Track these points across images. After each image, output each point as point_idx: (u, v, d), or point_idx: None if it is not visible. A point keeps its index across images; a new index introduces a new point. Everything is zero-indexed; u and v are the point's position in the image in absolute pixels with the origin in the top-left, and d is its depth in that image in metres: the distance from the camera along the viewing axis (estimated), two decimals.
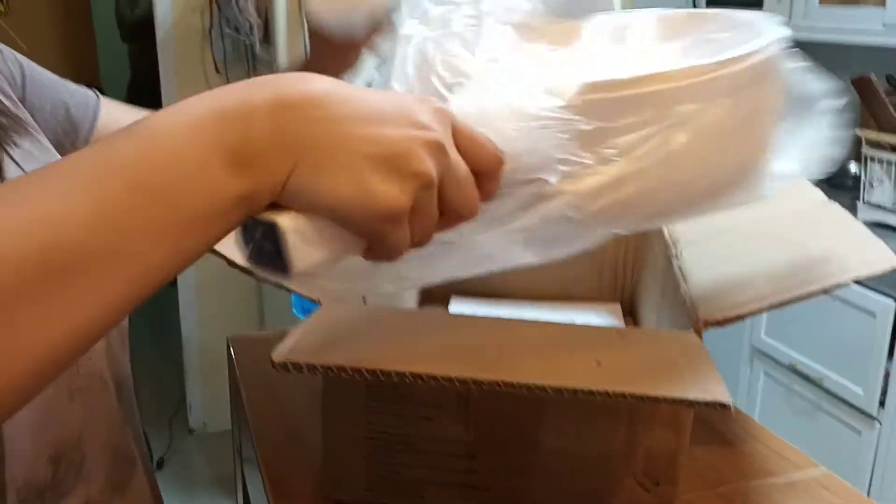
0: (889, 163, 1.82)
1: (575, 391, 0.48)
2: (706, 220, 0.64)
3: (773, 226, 0.73)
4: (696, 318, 0.60)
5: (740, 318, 0.58)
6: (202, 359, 2.55)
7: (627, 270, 0.96)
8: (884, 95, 1.82)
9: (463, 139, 0.42)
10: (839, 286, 0.60)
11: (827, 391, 1.86)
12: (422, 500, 0.62)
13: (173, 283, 2.54)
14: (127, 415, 0.62)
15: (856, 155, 2.01)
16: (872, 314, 1.75)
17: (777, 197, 0.54)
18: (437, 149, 0.39)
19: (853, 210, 1.93)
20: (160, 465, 2.44)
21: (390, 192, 0.38)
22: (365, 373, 0.50)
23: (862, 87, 1.84)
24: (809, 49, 0.56)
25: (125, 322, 0.60)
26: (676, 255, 0.73)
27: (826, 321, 1.88)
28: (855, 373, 1.82)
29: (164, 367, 2.83)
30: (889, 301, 1.71)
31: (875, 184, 1.87)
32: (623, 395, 0.47)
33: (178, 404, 2.65)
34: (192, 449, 2.56)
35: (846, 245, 0.68)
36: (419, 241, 0.42)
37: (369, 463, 0.63)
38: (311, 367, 0.51)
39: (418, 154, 0.39)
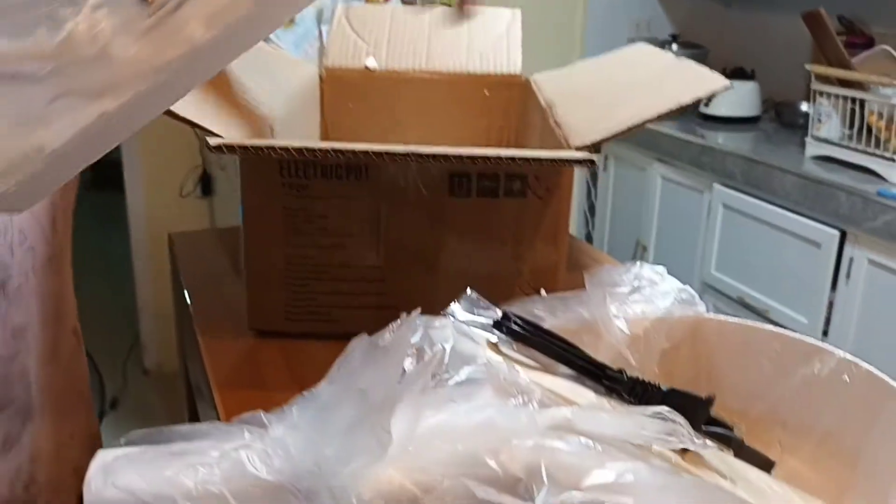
0: (836, 97, 1.85)
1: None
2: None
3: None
4: (567, 145, 0.65)
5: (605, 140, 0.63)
6: (156, 299, 2.53)
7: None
8: (833, 31, 1.84)
9: None
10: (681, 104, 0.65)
11: (773, 322, 1.89)
12: (336, 324, 0.63)
13: (125, 227, 2.51)
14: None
15: (807, 95, 2.04)
16: (817, 244, 1.78)
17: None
18: None
19: (802, 147, 1.96)
20: (114, 403, 2.43)
21: None
22: (279, 150, 0.52)
23: (812, 22, 1.86)
24: None
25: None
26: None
27: (772, 254, 1.91)
28: (799, 303, 1.85)
29: (117, 309, 2.81)
30: (833, 231, 1.74)
31: (823, 119, 1.90)
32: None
33: (132, 345, 2.63)
34: (147, 389, 2.54)
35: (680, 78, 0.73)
36: None
37: (288, 292, 0.64)
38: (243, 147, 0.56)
39: None
